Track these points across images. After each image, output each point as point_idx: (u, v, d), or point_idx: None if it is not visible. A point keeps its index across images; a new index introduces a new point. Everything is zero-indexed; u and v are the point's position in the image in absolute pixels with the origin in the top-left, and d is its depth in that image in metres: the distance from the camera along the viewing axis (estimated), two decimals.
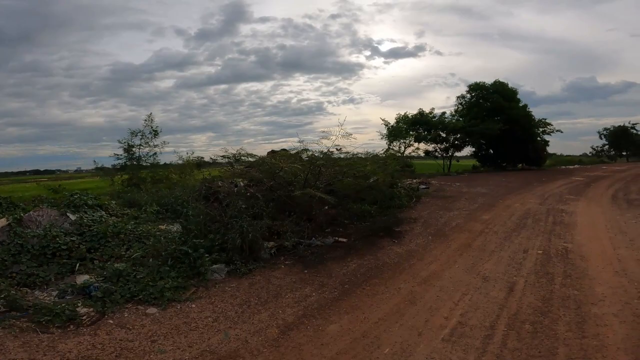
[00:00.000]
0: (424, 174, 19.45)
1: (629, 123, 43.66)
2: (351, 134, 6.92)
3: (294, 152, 8.10)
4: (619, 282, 4.05)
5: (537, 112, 30.81)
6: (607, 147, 46.26)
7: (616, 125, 44.55)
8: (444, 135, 23.94)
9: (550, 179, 16.53)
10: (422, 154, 24.80)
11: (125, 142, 11.64)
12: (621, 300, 3.60)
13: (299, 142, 7.25)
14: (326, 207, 8.30)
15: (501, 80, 25.65)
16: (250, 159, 7.41)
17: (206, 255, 4.92)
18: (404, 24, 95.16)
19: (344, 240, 6.49)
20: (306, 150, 6.57)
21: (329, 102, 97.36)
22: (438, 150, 24.62)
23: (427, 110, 23.85)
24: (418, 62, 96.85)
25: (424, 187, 13.45)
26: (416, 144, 22.89)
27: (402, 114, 23.31)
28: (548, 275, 4.35)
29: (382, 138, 22.49)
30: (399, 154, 10.61)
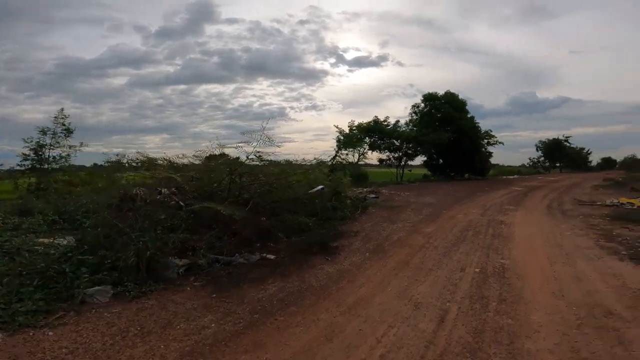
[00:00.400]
0: (376, 182, 19.35)
1: (563, 136, 48.07)
2: (274, 140, 6.14)
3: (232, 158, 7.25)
4: (556, 306, 3.71)
5: (484, 125, 32.40)
6: (542, 158, 50.42)
7: (551, 138, 48.80)
8: (397, 143, 24.22)
9: (493, 189, 17.12)
10: (377, 162, 24.96)
11: (31, 142, 9.97)
12: (558, 330, 3.21)
13: (240, 144, 6.30)
14: (263, 219, 7.52)
15: (453, 91, 26.63)
16: (168, 163, 6.37)
17: (85, 275, 4.05)
18: (370, 33, 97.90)
19: (272, 257, 5.74)
20: (224, 155, 5.68)
21: (292, 107, 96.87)
22: (391, 158, 24.87)
23: (382, 118, 23.99)
24: (380, 72, 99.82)
25: (373, 196, 13.12)
26: (370, 152, 22.90)
27: (356, 122, 23.22)
28: (483, 300, 3.92)
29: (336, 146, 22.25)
30: (346, 162, 10.01)
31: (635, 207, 10.62)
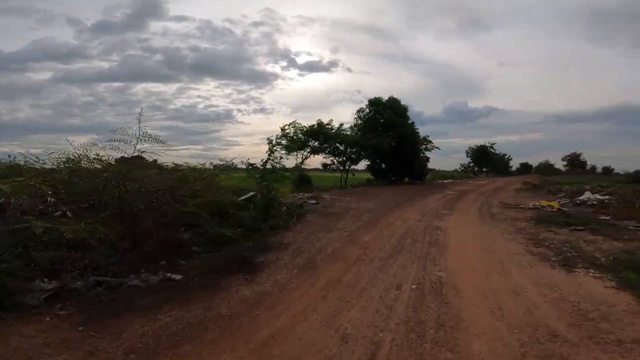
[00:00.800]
0: (319, 187, 18.83)
1: (489, 143, 52.77)
2: (160, 138, 5.02)
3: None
4: (496, 329, 3.27)
5: (423, 131, 34.06)
6: (472, 164, 54.80)
7: (479, 144, 53.31)
8: (342, 148, 24.06)
9: (430, 193, 17.59)
10: (320, 167, 24.56)
11: None
12: None
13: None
14: (183, 229, 6.38)
15: (396, 97, 27.21)
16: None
17: None
18: (323, 39, 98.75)
19: (178, 277, 4.70)
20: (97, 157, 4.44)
21: (239, 110, 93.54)
22: (335, 163, 24.66)
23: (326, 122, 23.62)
24: (330, 77, 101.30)
25: (314, 202, 12.48)
26: (312, 156, 22.38)
27: (294, 124, 22.53)
28: (419, 327, 3.36)
29: (280, 148, 21.31)
30: (281, 166, 9.16)
31: (554, 209, 11.36)
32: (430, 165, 32.44)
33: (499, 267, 5.07)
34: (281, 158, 9.10)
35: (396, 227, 8.30)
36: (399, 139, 25.17)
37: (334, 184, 21.95)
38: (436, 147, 30.01)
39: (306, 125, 22.36)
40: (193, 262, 5.32)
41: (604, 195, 15.24)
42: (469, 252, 6.09)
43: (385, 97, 27.15)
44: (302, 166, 19.97)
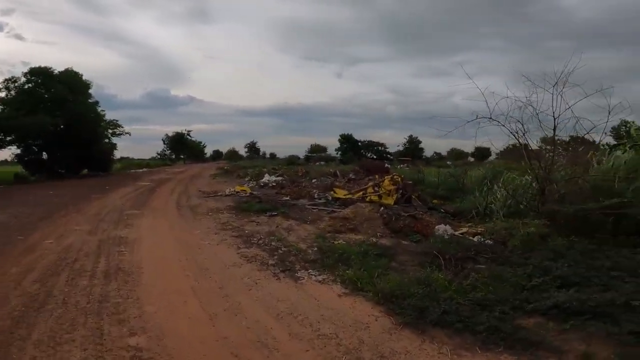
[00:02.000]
0: None
1: (186, 130, 53.23)
2: None
3: None
4: None
5: (117, 115, 28.36)
6: (169, 151, 53.38)
7: (177, 132, 52.71)
8: None
9: (115, 187, 14.00)
10: None
11: None
12: None
13: None
14: None
15: (77, 71, 20.71)
16: None
17: None
18: None
19: None
20: None
21: None
22: None
23: None
24: None
25: None
26: None
27: None
28: None
29: None
30: None
31: (248, 194, 11.79)
32: (122, 154, 27.70)
33: (223, 301, 3.49)
34: None
35: (42, 254, 4.96)
36: (73, 121, 18.90)
37: None
38: (127, 133, 25.65)
39: None
40: None
41: (278, 176, 18.26)
42: (175, 278, 4.18)
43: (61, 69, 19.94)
44: None
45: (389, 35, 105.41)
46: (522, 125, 5.35)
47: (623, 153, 6.39)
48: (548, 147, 5.67)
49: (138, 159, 44.54)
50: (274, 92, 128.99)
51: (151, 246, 5.53)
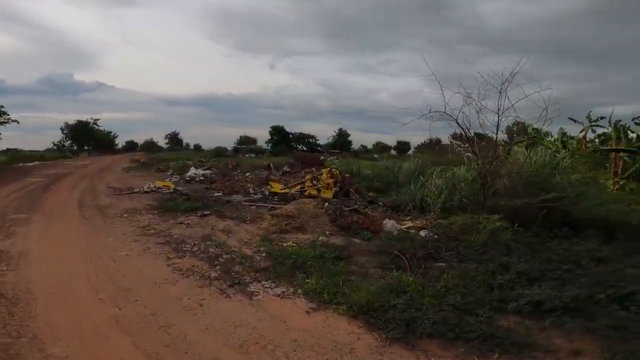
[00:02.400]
0: None
1: (92, 119, 46.27)
2: None
3: None
4: None
5: (2, 101, 22.88)
6: (70, 142, 45.87)
7: (79, 120, 45.47)
8: None
9: None
10: None
11: None
12: None
13: None
14: None
15: None
16: None
17: None
18: None
19: None
20: None
21: None
22: None
23: None
24: None
25: None
26: None
27: None
28: None
29: None
30: None
31: (171, 190, 10.43)
32: (9, 145, 22.90)
33: (161, 334, 2.66)
34: None
35: None
36: None
37: None
38: (14, 121, 21.15)
39: None
40: None
41: (206, 169, 16.77)
42: (84, 304, 3.16)
43: None
44: None
45: (328, 30, 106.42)
46: (470, 121, 5.47)
47: (525, 150, 7.43)
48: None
49: (29, 151, 37.19)
50: (202, 82, 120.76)
51: (44, 261, 4.28)
